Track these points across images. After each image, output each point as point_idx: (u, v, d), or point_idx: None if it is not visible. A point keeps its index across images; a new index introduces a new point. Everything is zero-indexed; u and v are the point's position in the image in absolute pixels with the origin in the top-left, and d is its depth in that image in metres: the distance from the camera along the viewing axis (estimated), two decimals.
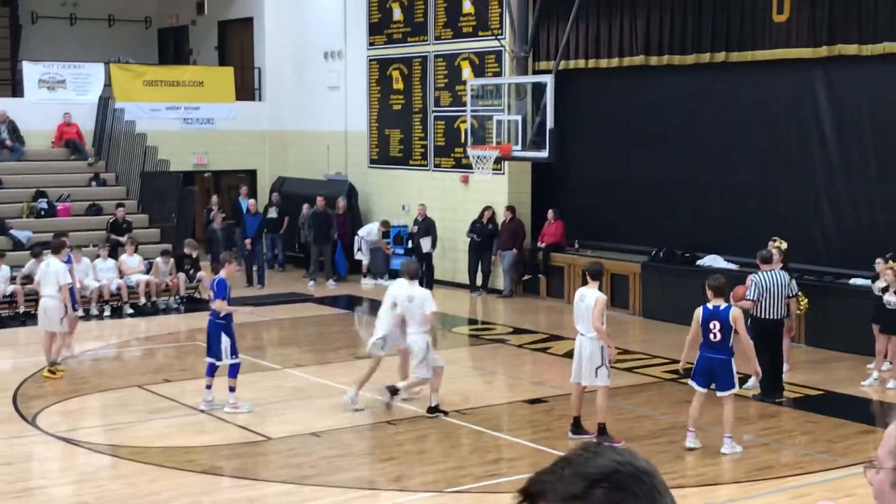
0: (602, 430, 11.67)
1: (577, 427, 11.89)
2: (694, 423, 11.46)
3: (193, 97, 25.79)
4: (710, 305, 11.37)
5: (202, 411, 13.02)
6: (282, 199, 24.55)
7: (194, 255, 20.88)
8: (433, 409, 12.83)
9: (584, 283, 12.27)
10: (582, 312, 11.67)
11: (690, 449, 11.40)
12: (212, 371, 13.13)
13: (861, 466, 2.35)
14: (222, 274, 13.22)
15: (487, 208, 21.83)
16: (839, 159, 17.42)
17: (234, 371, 13.05)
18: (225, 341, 12.98)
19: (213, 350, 13.11)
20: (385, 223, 23.73)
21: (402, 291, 12.93)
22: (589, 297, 11.65)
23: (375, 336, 13.12)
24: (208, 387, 13.15)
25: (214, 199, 24.78)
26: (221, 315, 13.02)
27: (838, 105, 17.40)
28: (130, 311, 19.96)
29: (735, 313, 11.28)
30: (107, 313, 19.79)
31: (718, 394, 11.38)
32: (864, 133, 17.09)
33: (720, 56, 18.56)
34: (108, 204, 22.72)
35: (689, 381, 11.58)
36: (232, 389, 13.05)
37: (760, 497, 10.31)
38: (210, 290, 13.50)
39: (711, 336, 11.25)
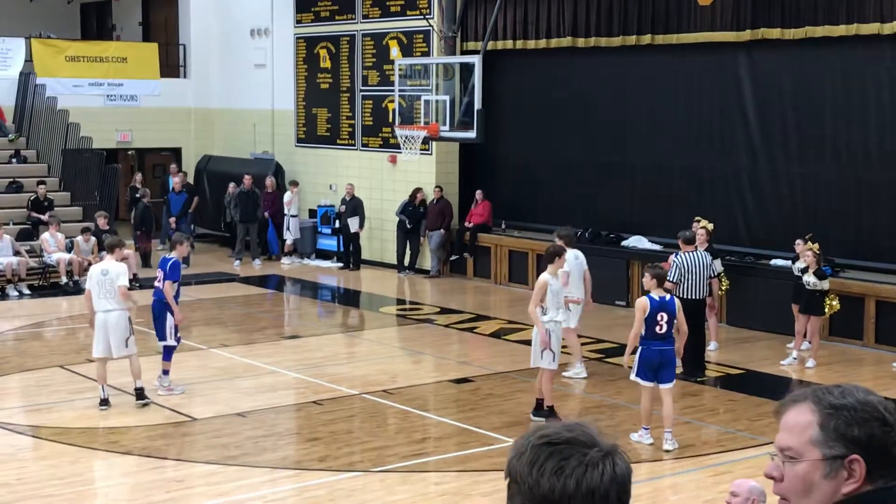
0: (546, 408, 11.69)
1: (538, 409, 11.85)
2: (649, 419, 11.04)
3: (117, 73, 25.39)
4: (655, 296, 10.96)
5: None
6: (186, 179, 24.22)
7: (107, 227, 20.44)
8: (141, 394, 12.40)
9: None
10: None
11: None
12: (169, 355, 12.96)
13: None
14: (174, 255, 13.07)
15: (419, 190, 21.77)
16: (761, 142, 17.69)
17: (169, 353, 12.95)
18: (170, 321, 12.83)
19: (158, 330, 12.94)
20: (294, 182, 23.48)
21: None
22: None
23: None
24: (165, 371, 12.96)
25: (138, 176, 24.47)
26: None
27: (761, 88, 17.65)
28: (48, 289, 19.60)
29: (678, 303, 11.12)
30: (27, 292, 19.48)
31: (662, 386, 10.94)
32: (786, 116, 17.36)
33: (646, 38, 18.71)
34: (29, 181, 22.32)
35: (635, 378, 10.98)
36: (166, 372, 12.93)
37: (682, 475, 10.48)
38: (159, 270, 13.17)
39: (658, 328, 10.88)
